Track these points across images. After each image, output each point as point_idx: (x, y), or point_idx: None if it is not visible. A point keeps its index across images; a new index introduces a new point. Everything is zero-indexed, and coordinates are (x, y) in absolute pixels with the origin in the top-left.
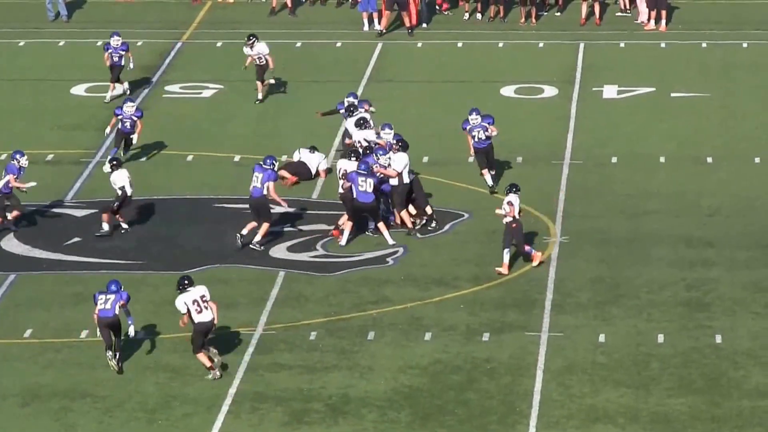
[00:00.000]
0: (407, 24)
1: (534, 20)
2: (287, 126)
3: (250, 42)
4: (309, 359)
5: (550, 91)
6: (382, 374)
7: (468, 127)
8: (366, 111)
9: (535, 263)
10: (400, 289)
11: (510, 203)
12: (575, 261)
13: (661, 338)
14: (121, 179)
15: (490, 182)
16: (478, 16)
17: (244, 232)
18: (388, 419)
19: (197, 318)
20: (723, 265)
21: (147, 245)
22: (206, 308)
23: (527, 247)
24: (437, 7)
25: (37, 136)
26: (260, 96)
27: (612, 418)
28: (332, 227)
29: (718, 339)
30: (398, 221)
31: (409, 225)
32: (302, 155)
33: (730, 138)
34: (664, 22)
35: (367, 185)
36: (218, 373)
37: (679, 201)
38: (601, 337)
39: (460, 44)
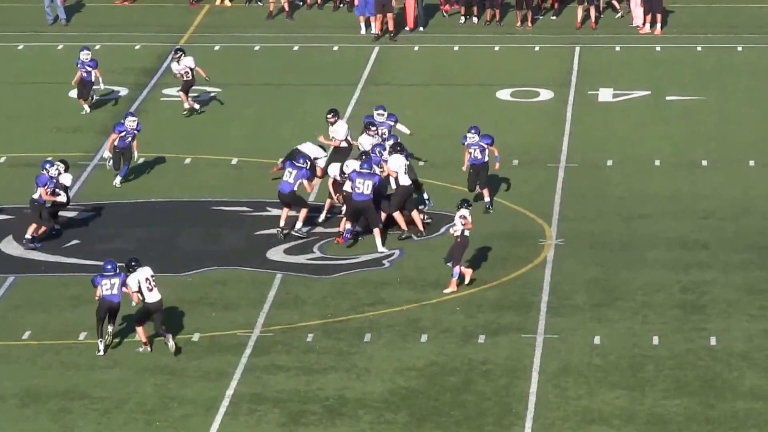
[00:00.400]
0: (390, 27)
1: (530, 24)
2: (285, 129)
3: (177, 56)
4: (306, 361)
5: (545, 94)
6: (378, 376)
7: (465, 143)
8: (395, 125)
9: (466, 281)
10: (397, 291)
11: (463, 217)
12: (571, 263)
13: (656, 340)
14: (66, 182)
15: (487, 198)
16: (475, 19)
17: (282, 224)
18: (385, 420)
19: (148, 297)
20: (718, 268)
21: (145, 247)
22: (155, 287)
23: (458, 268)
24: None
25: (35, 139)
26: (186, 106)
27: (607, 419)
28: (328, 229)
29: (713, 341)
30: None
31: (404, 227)
32: (304, 145)
33: (725, 141)
34: (659, 25)
35: (364, 187)
36: (149, 348)
37: (674, 204)
38: (597, 339)
39: (456, 48)
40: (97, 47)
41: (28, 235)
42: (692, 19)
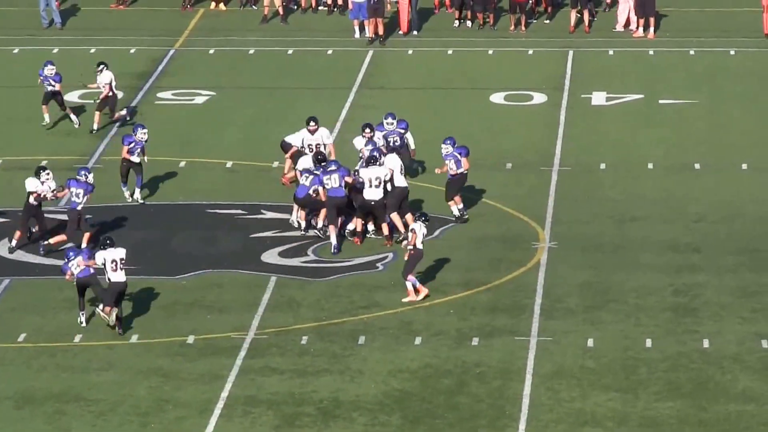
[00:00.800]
0: (380, 32)
1: (523, 28)
2: (279, 132)
3: (99, 69)
4: (300, 363)
5: (539, 98)
6: (372, 378)
7: (442, 154)
8: (405, 131)
9: (420, 296)
10: (391, 294)
11: (413, 231)
12: (564, 266)
13: (649, 343)
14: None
15: (456, 213)
16: (468, 23)
17: (304, 224)
18: (379, 423)
19: (113, 277)
20: (710, 271)
21: (140, 250)
22: (121, 269)
23: (412, 278)
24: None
25: (30, 142)
26: (95, 126)
27: (600, 422)
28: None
29: (706, 344)
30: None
31: (401, 229)
32: (291, 137)
33: (718, 144)
34: (652, 29)
35: (332, 181)
36: (115, 319)
37: (666, 207)
38: (590, 342)
39: (450, 51)
40: (93, 51)
41: (51, 241)
42: (685, 23)
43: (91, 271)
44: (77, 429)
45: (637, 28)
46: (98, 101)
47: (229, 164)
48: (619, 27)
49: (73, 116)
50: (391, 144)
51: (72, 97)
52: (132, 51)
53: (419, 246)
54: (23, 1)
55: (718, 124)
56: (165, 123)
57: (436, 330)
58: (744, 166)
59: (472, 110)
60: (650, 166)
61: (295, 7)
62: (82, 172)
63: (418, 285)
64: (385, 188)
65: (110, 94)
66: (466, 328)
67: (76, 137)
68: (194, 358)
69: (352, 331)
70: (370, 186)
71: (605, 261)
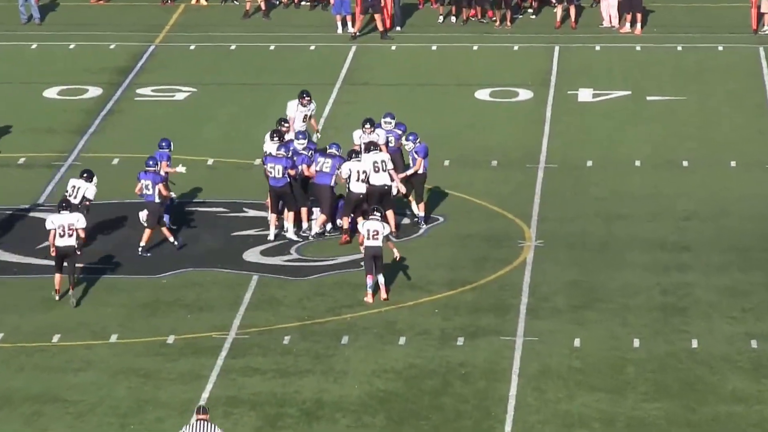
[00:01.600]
0: (380, 28)
1: (509, 23)
2: (260, 129)
3: None
4: (283, 363)
5: (525, 94)
6: (356, 378)
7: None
8: (402, 136)
9: (370, 299)
10: (374, 293)
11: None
12: (550, 265)
13: (636, 343)
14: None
15: (417, 212)
16: (453, 18)
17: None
18: (363, 423)
19: (57, 241)
20: (698, 270)
21: (120, 249)
22: (69, 235)
23: (371, 279)
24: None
25: (9, 139)
26: None
27: (587, 423)
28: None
29: (694, 343)
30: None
31: (394, 228)
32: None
33: (706, 141)
34: (639, 25)
35: (276, 171)
36: (57, 296)
37: (654, 205)
38: (577, 342)
39: (434, 47)
40: (72, 46)
41: (143, 243)
42: (672, 18)
43: None
44: (55, 430)
45: (624, 23)
46: None
47: (210, 161)
48: (606, 23)
49: None
50: (388, 144)
51: (52, 93)
52: (112, 46)
53: (367, 243)
54: None
55: (706, 121)
56: (145, 119)
57: (420, 330)
58: (733, 163)
59: (457, 106)
60: (637, 163)
61: (277, 2)
62: (150, 162)
63: (381, 286)
64: (367, 183)
65: None
66: (450, 328)
67: (54, 134)
68: (175, 358)
69: (335, 330)
70: (358, 179)
71: (592, 259)
